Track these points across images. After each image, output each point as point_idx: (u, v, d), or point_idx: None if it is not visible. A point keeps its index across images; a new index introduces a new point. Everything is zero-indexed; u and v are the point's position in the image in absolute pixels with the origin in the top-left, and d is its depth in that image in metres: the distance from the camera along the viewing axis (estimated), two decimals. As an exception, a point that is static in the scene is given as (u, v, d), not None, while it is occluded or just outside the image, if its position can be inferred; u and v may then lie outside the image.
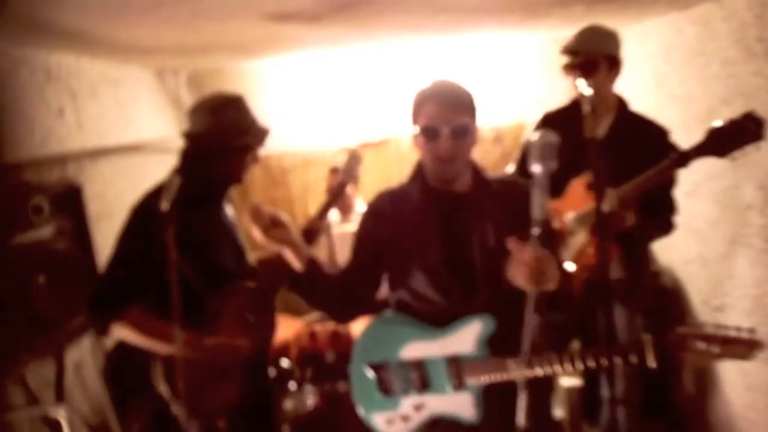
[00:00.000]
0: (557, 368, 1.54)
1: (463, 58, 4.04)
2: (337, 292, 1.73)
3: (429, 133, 1.59)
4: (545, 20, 2.91)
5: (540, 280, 1.43)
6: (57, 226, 2.44)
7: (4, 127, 2.17)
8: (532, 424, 1.48)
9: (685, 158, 2.02)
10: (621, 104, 2.48)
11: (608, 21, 2.91)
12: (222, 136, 1.97)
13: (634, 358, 1.48)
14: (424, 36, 3.27)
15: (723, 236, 2.65)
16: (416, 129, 1.63)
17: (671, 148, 2.19)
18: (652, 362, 1.46)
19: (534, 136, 1.44)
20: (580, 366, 1.54)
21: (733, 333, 1.43)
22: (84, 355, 2.79)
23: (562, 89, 3.58)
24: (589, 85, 2.14)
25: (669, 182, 2.30)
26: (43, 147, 2.36)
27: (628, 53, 3.66)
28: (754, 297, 2.43)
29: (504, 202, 1.68)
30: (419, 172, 1.73)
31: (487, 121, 2.53)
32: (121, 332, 1.90)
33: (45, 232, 2.38)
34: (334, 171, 3.50)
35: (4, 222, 2.22)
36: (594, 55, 2.34)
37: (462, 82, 1.66)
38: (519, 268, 1.44)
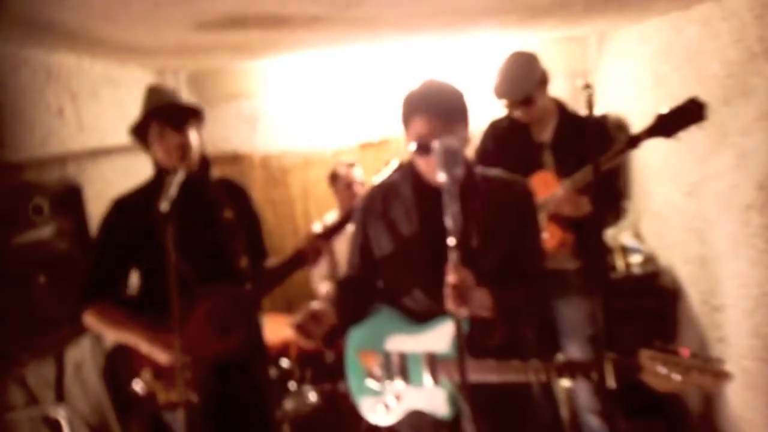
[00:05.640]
0: (521, 377, 1.55)
1: (463, 58, 4.04)
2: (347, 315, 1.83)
3: (421, 149, 1.58)
4: (545, 20, 2.90)
5: (458, 302, 1.39)
6: (57, 226, 2.44)
7: (4, 127, 2.17)
8: None
9: (635, 141, 2.20)
10: (560, 107, 2.59)
11: (608, 21, 2.92)
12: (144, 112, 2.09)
13: (594, 376, 1.47)
14: (424, 36, 3.27)
15: (723, 236, 2.64)
16: (407, 135, 1.64)
17: (617, 130, 2.33)
18: (611, 383, 1.43)
19: (435, 143, 1.43)
20: (543, 378, 1.53)
21: (698, 362, 1.36)
22: (84, 355, 2.79)
23: (561, 89, 3.58)
24: (531, 113, 2.46)
25: (616, 171, 2.47)
26: (43, 147, 2.37)
27: (628, 53, 3.67)
28: (754, 297, 2.42)
29: (492, 201, 1.66)
30: (410, 167, 1.73)
31: (486, 120, 2.55)
32: (90, 321, 2.03)
33: (45, 232, 2.38)
34: (350, 165, 3.42)
35: (4, 222, 2.22)
36: (529, 94, 2.43)
37: (451, 82, 1.63)
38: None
